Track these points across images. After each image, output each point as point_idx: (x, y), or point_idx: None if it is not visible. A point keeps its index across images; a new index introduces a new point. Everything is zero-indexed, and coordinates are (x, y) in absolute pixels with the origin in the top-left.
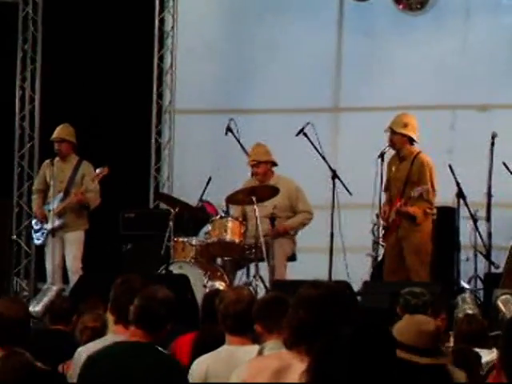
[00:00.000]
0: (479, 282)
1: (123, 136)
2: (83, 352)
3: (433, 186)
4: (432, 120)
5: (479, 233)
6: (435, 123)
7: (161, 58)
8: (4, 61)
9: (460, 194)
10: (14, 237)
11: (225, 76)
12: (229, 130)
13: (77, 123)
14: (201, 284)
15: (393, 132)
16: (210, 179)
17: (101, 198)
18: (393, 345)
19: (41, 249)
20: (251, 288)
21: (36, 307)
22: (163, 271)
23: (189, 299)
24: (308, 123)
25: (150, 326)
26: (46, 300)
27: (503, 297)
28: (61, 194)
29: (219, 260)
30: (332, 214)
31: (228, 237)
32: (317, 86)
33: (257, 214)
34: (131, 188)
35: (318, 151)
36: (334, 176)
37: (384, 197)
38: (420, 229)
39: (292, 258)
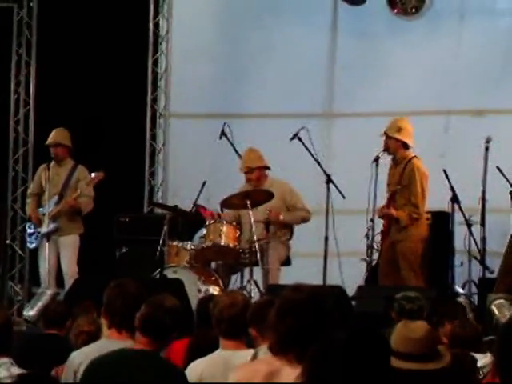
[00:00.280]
0: (473, 287)
1: (117, 140)
2: (77, 356)
3: (423, 192)
4: (426, 124)
5: (473, 238)
6: (429, 127)
7: (155, 62)
8: None
9: (454, 199)
10: (8, 241)
11: (219, 80)
12: (223, 134)
13: (71, 127)
14: (195, 288)
15: (387, 136)
16: (204, 183)
17: (94, 203)
18: (387, 349)
19: (35, 253)
20: (245, 292)
21: (30, 311)
22: (157, 276)
23: (183, 304)
24: (302, 128)
25: (155, 334)
26: (40, 304)
27: (497, 301)
28: (56, 198)
29: (213, 264)
30: (326, 219)
31: (223, 241)
32: (311, 91)
33: (251, 218)
34: (125, 192)
35: (312, 156)
36: (329, 180)
37: (378, 194)
38: (411, 233)
39: (286, 262)
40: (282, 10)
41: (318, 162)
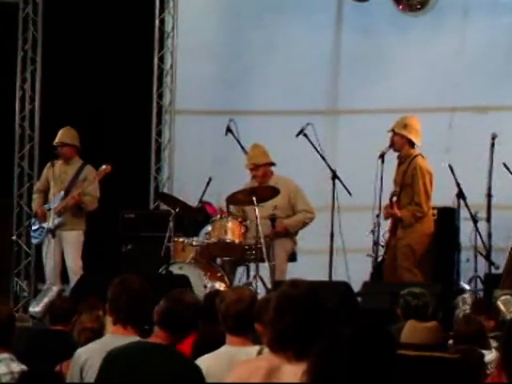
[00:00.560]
0: (479, 283)
1: (123, 136)
2: (83, 353)
3: (426, 190)
4: (430, 121)
5: (479, 234)
6: (433, 124)
7: (161, 59)
8: (4, 61)
9: (460, 195)
10: (14, 237)
11: (225, 77)
12: (229, 130)
13: (77, 123)
14: (201, 284)
15: (394, 133)
16: (210, 180)
17: (100, 199)
18: (393, 345)
19: (40, 249)
20: (251, 288)
21: (36, 308)
22: (163, 272)
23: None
24: (308, 124)
25: (174, 328)
26: (46, 300)
27: (503, 297)
28: (62, 193)
29: (218, 260)
30: (332, 215)
31: (228, 237)
32: (315, 88)
33: (257, 214)
34: (131, 188)
35: (317, 152)
36: (334, 176)
37: (384, 190)
38: (416, 229)
39: (292, 258)
40: (286, 8)
41: (324, 158)
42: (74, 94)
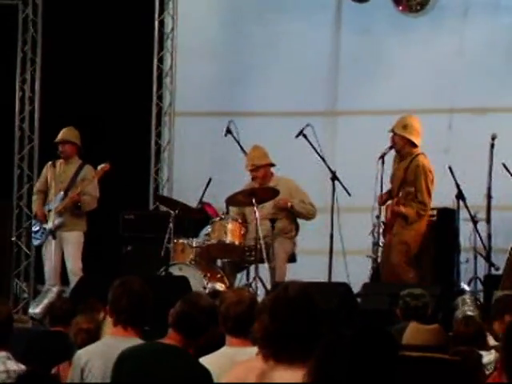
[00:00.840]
0: (479, 284)
1: (123, 138)
2: (83, 354)
3: (428, 189)
4: (429, 121)
5: (479, 234)
6: (433, 125)
7: (161, 60)
8: (4, 62)
9: (460, 196)
10: (14, 238)
11: (224, 79)
12: (228, 131)
13: (77, 125)
14: (201, 286)
15: (394, 133)
16: (209, 181)
17: (100, 200)
18: (394, 347)
19: (40, 250)
20: (251, 289)
21: (36, 309)
22: (163, 273)
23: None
24: (307, 125)
25: (188, 332)
26: (45, 302)
27: None
28: (61, 194)
29: (219, 261)
30: (332, 216)
31: (228, 238)
32: (315, 89)
33: (257, 215)
34: (131, 189)
35: (317, 153)
36: (334, 177)
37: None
38: (412, 227)
39: (292, 259)
40: (285, 8)
41: (323, 159)
42: (74, 95)
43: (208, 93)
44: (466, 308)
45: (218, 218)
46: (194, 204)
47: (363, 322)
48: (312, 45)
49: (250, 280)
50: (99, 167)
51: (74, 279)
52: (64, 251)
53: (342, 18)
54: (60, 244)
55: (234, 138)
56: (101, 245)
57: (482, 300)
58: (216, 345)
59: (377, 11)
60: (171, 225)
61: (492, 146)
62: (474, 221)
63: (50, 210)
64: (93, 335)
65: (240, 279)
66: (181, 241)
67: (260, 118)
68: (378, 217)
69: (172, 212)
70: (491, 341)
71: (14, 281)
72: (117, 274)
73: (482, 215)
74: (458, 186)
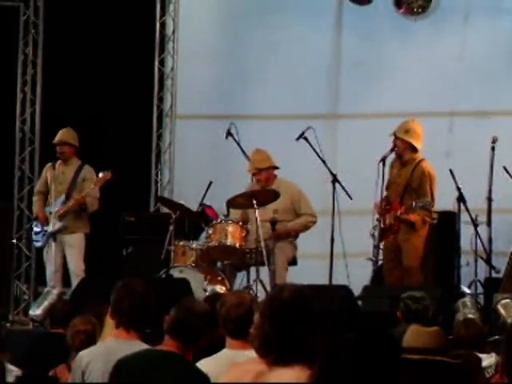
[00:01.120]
0: (479, 287)
1: (124, 140)
2: (84, 356)
3: (432, 195)
4: (431, 125)
5: (480, 238)
6: (434, 128)
7: (162, 62)
8: (5, 64)
9: (461, 199)
10: (15, 240)
11: (225, 81)
12: (229, 133)
13: (78, 127)
14: (201, 288)
15: (396, 137)
16: (210, 183)
17: (101, 202)
18: (397, 349)
19: (41, 252)
20: (251, 292)
21: (36, 311)
22: (164, 275)
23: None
24: (309, 127)
25: (184, 338)
26: (46, 303)
27: (503, 301)
28: (63, 197)
29: (219, 264)
30: (332, 219)
31: (228, 241)
32: (316, 92)
33: (257, 217)
34: (132, 192)
35: (318, 155)
36: (335, 180)
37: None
38: (419, 233)
39: (293, 262)
40: (286, 11)
41: (324, 162)
42: (75, 97)
43: (209, 95)
44: (467, 311)
45: (218, 221)
46: (194, 206)
47: (364, 324)
48: (313, 48)
49: (251, 283)
50: (101, 174)
51: (76, 281)
52: (66, 254)
53: (343, 21)
54: (61, 246)
55: (235, 140)
56: (102, 246)
57: (482, 303)
58: (216, 347)
59: (378, 14)
60: (172, 227)
61: (493, 149)
62: (475, 224)
63: (50, 213)
64: (90, 337)
65: (240, 281)
66: (181, 243)
67: (261, 120)
68: (378, 220)
69: (173, 214)
70: None
71: (14, 282)
72: (117, 276)
73: (482, 218)
74: (458, 188)
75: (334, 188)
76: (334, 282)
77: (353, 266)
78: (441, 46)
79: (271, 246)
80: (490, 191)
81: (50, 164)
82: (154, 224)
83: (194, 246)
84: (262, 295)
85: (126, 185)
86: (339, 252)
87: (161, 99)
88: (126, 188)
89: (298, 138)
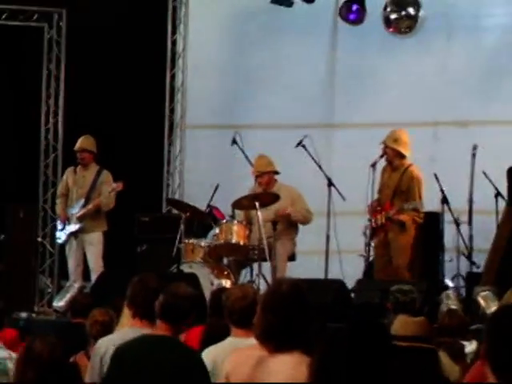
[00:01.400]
0: (461, 280)
1: (139, 147)
2: (103, 343)
3: (420, 197)
4: (417, 133)
5: (462, 236)
6: (421, 137)
7: (173, 77)
8: (31, 79)
9: (444, 201)
10: (40, 238)
11: (230, 94)
12: (234, 141)
13: (97, 135)
14: (208, 282)
15: (385, 145)
16: (217, 186)
17: (118, 204)
18: (387, 337)
19: (63, 249)
20: (254, 285)
21: (59, 303)
22: (175, 270)
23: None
24: (306, 136)
25: (172, 319)
26: (68, 296)
27: (483, 293)
28: (82, 200)
29: (225, 260)
30: (328, 219)
31: (234, 239)
32: (313, 104)
33: (259, 218)
34: (146, 194)
35: (315, 161)
36: (330, 184)
37: (375, 196)
38: (407, 233)
39: (292, 257)
40: (286, 30)
41: (320, 167)
42: (94, 108)
43: (215, 107)
44: (450, 302)
45: (224, 221)
46: (202, 208)
47: (356, 315)
48: (310, 64)
49: (254, 277)
50: (114, 185)
51: (95, 276)
52: (86, 251)
53: (338, 39)
54: (82, 244)
55: (239, 147)
56: (118, 244)
57: (464, 295)
58: (222, 335)
59: (369, 33)
60: (182, 226)
61: (473, 155)
62: (457, 223)
63: (72, 214)
64: (106, 326)
65: (244, 276)
66: (191, 241)
67: (263, 129)
68: (369, 220)
69: (183, 215)
70: None
71: (39, 277)
72: (133, 271)
73: (464, 218)
74: (442, 191)
75: (330, 191)
76: (330, 277)
77: (346, 262)
78: (426, 61)
79: (272, 243)
80: (471, 194)
81: (71, 168)
82: (165, 224)
83: (202, 243)
84: (264, 289)
85: (140, 188)
86: (334, 249)
87: (172, 111)
88: (140, 191)
89: (296, 146)
